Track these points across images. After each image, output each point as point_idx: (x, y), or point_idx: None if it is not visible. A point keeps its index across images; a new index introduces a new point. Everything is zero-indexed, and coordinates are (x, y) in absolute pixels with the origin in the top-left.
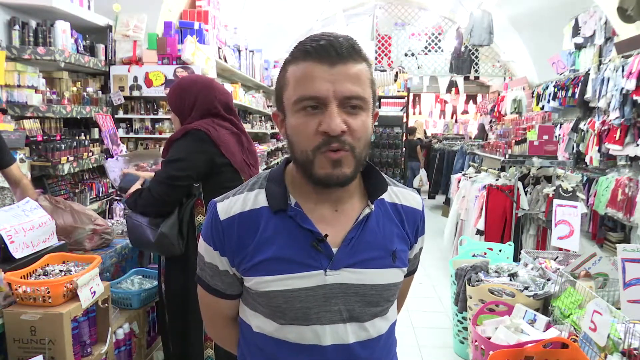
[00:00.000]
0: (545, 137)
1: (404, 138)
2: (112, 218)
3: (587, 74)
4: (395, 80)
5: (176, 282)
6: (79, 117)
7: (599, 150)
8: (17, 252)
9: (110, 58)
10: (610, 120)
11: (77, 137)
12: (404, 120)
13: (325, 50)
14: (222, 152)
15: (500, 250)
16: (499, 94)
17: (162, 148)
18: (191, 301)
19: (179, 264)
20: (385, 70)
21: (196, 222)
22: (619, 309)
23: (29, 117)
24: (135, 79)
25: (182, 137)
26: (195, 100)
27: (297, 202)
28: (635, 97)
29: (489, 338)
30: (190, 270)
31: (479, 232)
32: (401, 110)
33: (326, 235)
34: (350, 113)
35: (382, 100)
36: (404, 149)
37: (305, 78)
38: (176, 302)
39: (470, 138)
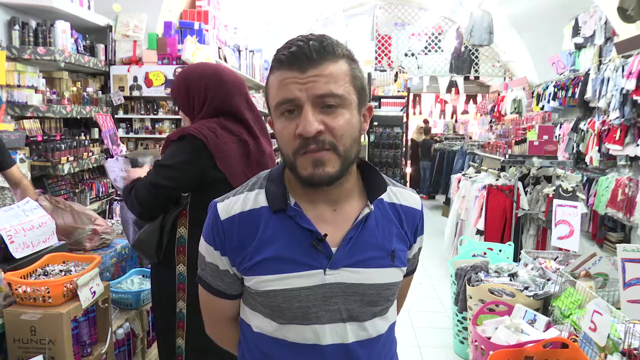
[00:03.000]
0: (545, 137)
1: (405, 138)
2: (112, 218)
3: (587, 74)
4: (395, 80)
5: (155, 284)
6: (79, 117)
7: (599, 150)
8: (17, 252)
9: (110, 58)
10: (610, 120)
11: (77, 137)
12: (404, 120)
13: (296, 56)
14: (217, 165)
15: (500, 250)
16: (499, 94)
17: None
18: (162, 308)
19: (156, 271)
20: (385, 70)
21: (177, 233)
22: (619, 309)
23: (29, 117)
24: (135, 79)
25: (177, 139)
26: (205, 99)
27: (296, 202)
28: (635, 97)
29: (489, 338)
30: (164, 281)
31: (479, 232)
32: (401, 110)
33: (325, 235)
34: (328, 113)
35: (382, 100)
36: (418, 148)
37: (280, 85)
38: (154, 303)
39: (470, 138)
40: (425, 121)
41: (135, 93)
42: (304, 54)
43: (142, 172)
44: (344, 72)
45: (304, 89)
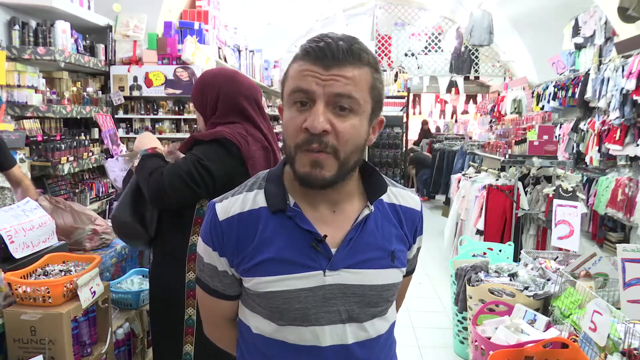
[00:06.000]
0: (545, 137)
1: (405, 138)
2: None
3: (587, 74)
4: (395, 80)
5: (159, 289)
6: (79, 117)
7: (599, 150)
8: (17, 252)
9: (110, 58)
10: (610, 120)
11: (77, 137)
12: (404, 120)
13: (322, 52)
14: (248, 172)
15: (500, 250)
16: (499, 94)
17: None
18: (167, 314)
19: (161, 276)
20: (385, 70)
21: (190, 241)
22: (619, 309)
23: (29, 117)
24: (135, 79)
25: (209, 142)
26: (217, 96)
27: (295, 203)
28: (635, 97)
29: (489, 338)
30: (172, 287)
31: (478, 232)
32: (401, 110)
33: (325, 236)
34: (339, 115)
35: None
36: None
37: (300, 75)
38: (155, 308)
39: (470, 138)
40: (424, 122)
41: (135, 93)
42: (330, 52)
43: (148, 141)
44: (365, 80)
45: (322, 83)
